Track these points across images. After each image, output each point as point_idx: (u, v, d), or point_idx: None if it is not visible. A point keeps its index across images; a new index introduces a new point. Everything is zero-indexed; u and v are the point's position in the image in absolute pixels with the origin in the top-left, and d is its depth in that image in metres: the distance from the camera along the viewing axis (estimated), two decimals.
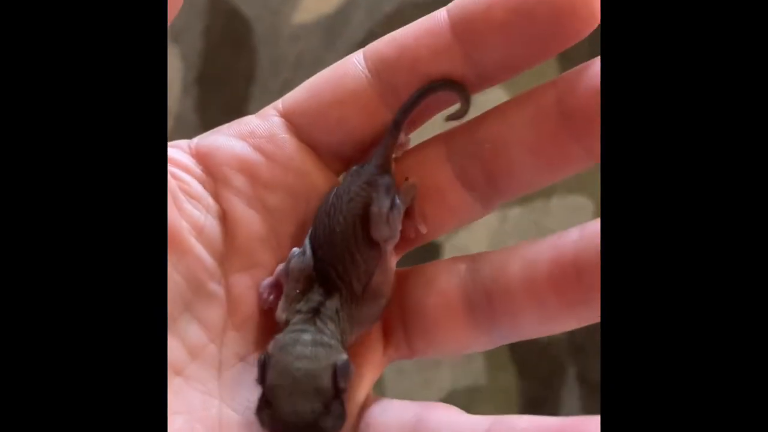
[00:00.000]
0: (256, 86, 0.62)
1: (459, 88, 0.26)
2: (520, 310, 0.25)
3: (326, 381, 0.24)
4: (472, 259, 0.27)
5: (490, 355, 0.57)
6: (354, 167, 0.27)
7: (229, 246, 0.27)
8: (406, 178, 0.27)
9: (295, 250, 0.27)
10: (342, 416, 0.25)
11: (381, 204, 0.26)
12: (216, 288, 0.26)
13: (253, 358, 0.27)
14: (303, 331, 0.25)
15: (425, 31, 0.26)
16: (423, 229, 0.27)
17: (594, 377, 0.54)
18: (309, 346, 0.25)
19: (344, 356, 0.25)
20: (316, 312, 0.26)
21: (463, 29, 0.25)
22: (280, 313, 0.26)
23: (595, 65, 0.25)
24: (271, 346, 0.25)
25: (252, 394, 0.26)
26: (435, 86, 0.26)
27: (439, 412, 0.25)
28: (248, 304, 0.27)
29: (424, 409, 0.25)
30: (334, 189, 0.27)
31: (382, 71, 0.26)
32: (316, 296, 0.26)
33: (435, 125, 0.28)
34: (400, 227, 0.26)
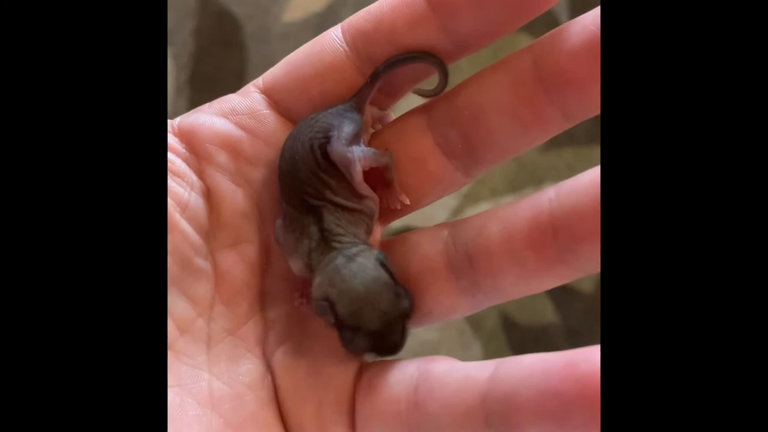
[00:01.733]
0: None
1: (442, 65, 0.26)
2: (500, 270, 0.25)
3: (383, 275, 0.25)
4: (454, 224, 0.27)
5: (488, 342, 0.57)
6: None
7: (215, 222, 0.27)
8: (386, 149, 0.27)
9: (278, 221, 0.27)
10: (407, 293, 0.26)
11: (340, 128, 0.26)
12: (202, 263, 0.27)
13: (244, 332, 0.27)
14: (331, 259, 0.26)
15: (401, 2, 0.26)
16: (405, 200, 0.27)
17: None
18: (347, 263, 0.25)
19: (375, 250, 0.26)
20: (322, 239, 0.26)
21: None
22: (296, 268, 0.27)
23: (570, 28, 0.25)
24: (316, 291, 0.26)
25: (241, 366, 0.27)
26: (423, 56, 0.26)
27: (441, 363, 0.25)
28: (236, 278, 0.27)
29: (424, 362, 0.25)
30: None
31: (359, 44, 0.26)
32: (311, 228, 0.26)
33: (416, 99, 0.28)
34: (363, 156, 0.26)
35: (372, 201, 0.27)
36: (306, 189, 0.26)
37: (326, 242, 0.26)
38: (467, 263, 0.26)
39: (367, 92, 0.27)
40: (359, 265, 0.25)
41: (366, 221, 0.27)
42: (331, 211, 0.26)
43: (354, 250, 0.26)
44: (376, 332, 0.25)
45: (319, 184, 0.26)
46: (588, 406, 0.21)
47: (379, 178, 0.27)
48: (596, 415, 0.20)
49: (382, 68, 0.26)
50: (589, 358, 0.21)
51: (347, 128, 0.26)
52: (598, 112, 0.25)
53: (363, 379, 0.26)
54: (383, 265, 0.26)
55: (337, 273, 0.25)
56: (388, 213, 0.28)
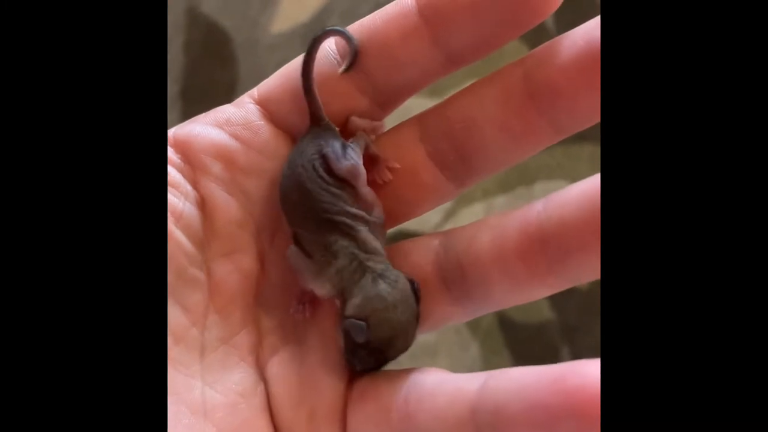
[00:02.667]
0: (238, 96, 0.63)
1: (345, 34, 0.26)
2: (491, 280, 0.25)
3: (416, 307, 0.26)
4: (445, 234, 0.27)
5: (485, 341, 0.58)
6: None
7: (209, 231, 0.27)
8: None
9: (291, 247, 0.27)
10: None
11: (331, 145, 0.27)
12: (196, 273, 0.27)
13: (238, 341, 0.27)
14: (373, 281, 0.26)
15: (393, 15, 0.26)
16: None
17: (587, 357, 0.55)
18: (392, 291, 0.26)
19: (408, 277, 0.26)
20: (352, 257, 0.26)
21: (431, 11, 0.25)
22: (323, 291, 0.27)
23: (560, 42, 0.25)
24: (355, 310, 0.26)
25: (234, 375, 0.27)
26: (322, 34, 0.27)
27: (431, 374, 0.25)
28: (230, 288, 0.27)
29: (415, 373, 0.25)
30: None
31: None
32: (336, 247, 0.27)
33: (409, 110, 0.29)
34: (358, 158, 0.27)
35: (379, 208, 0.27)
36: (322, 206, 0.26)
37: (359, 260, 0.26)
38: (458, 273, 0.26)
39: (314, 105, 0.27)
40: (401, 293, 0.26)
41: (383, 233, 0.27)
42: (357, 225, 0.27)
43: (392, 275, 0.26)
44: (390, 357, 0.26)
45: (333, 198, 0.27)
46: (577, 420, 0.21)
47: (367, 166, 0.27)
48: (586, 429, 0.21)
49: (303, 78, 0.27)
50: (578, 371, 0.21)
51: (334, 142, 0.27)
52: (587, 125, 0.25)
53: (355, 388, 0.27)
54: (415, 293, 0.26)
55: (382, 299, 0.26)
56: (387, 217, 0.28)
